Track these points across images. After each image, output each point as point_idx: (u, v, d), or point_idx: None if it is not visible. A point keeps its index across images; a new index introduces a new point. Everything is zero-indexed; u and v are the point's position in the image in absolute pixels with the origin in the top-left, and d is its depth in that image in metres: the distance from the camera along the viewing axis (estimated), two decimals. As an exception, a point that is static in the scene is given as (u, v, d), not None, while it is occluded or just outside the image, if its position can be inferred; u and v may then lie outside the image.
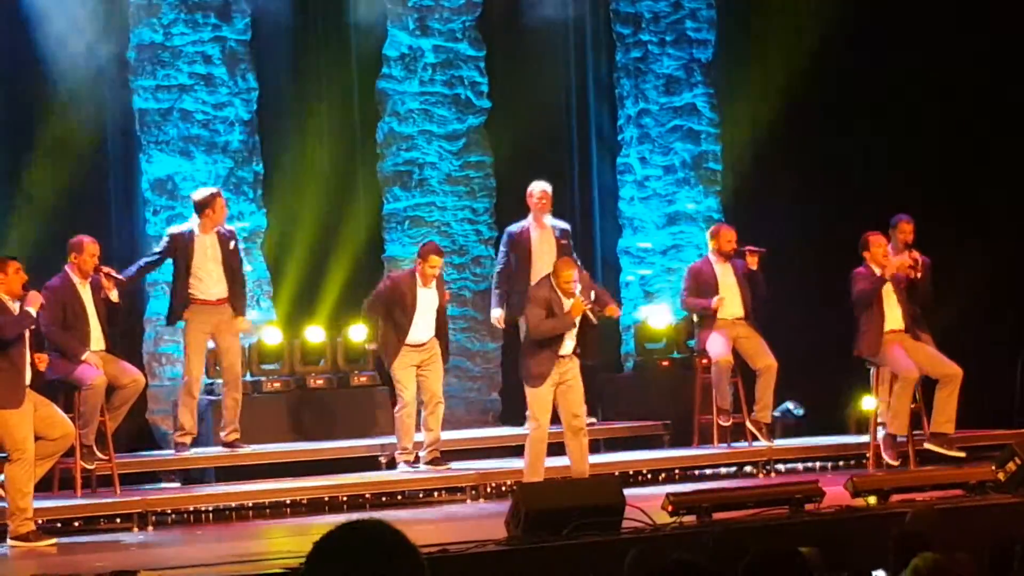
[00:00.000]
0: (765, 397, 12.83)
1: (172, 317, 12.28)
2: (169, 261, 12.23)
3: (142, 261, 12.29)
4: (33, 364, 10.19)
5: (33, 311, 10.05)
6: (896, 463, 12.16)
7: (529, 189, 13.12)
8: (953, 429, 12.28)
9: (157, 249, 12.31)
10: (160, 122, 13.50)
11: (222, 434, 12.13)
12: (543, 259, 12.65)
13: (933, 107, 14.63)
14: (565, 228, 13.17)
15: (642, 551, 5.73)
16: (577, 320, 10.88)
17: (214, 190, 12.40)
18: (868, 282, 12.33)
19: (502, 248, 13.16)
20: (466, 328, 14.65)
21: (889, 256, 12.44)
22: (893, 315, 12.42)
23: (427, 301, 12.04)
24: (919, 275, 12.47)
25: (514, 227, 13.09)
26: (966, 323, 13.83)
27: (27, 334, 10.10)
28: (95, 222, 12.49)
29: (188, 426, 12.05)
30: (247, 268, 13.59)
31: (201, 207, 12.11)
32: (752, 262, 12.94)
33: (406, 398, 11.95)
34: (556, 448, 11.75)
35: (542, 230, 12.98)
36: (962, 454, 12.13)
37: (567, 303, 10.86)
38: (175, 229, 12.25)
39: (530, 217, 13.06)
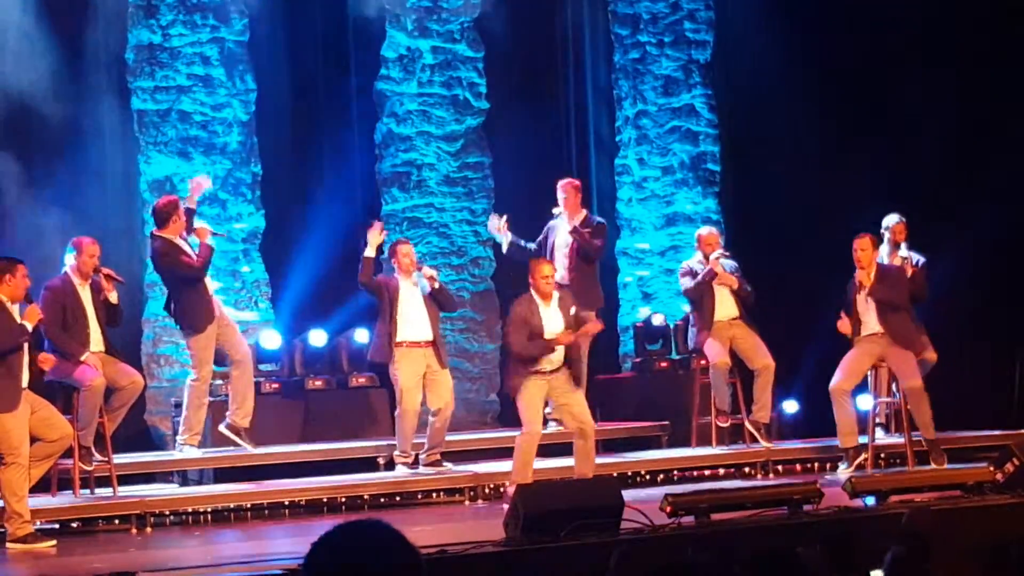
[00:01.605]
0: (763, 398, 12.83)
1: (200, 325, 11.95)
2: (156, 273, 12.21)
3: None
4: (32, 364, 10.18)
5: (29, 325, 10.03)
6: (848, 471, 12.16)
7: None
8: (932, 436, 12.24)
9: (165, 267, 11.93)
10: (158, 123, 13.51)
11: (235, 418, 11.97)
12: (559, 250, 12.64)
13: (932, 104, 14.64)
14: (594, 221, 13.01)
15: (624, 552, 5.72)
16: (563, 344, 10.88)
17: (174, 198, 12.08)
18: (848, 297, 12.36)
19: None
20: (465, 329, 14.66)
21: (873, 257, 12.40)
22: (870, 320, 12.36)
23: (410, 295, 11.95)
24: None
25: (551, 223, 13.02)
26: (963, 323, 13.84)
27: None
28: (94, 223, 12.49)
29: (199, 428, 12.02)
30: (244, 269, 13.62)
31: (165, 216, 11.75)
32: (715, 266, 12.86)
33: (406, 404, 11.89)
34: (557, 449, 11.74)
35: (569, 223, 12.91)
36: (943, 461, 12.13)
37: (546, 312, 10.84)
38: (159, 245, 11.77)
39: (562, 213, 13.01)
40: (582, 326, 11.09)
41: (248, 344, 12.35)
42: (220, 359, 12.14)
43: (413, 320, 11.92)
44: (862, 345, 12.32)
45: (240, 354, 12.04)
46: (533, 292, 10.94)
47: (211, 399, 12.23)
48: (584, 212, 12.92)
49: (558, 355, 10.95)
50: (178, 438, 12.08)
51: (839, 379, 12.25)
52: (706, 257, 12.95)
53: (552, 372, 10.93)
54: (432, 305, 12.01)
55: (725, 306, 12.91)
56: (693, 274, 12.98)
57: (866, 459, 12.30)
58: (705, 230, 13.37)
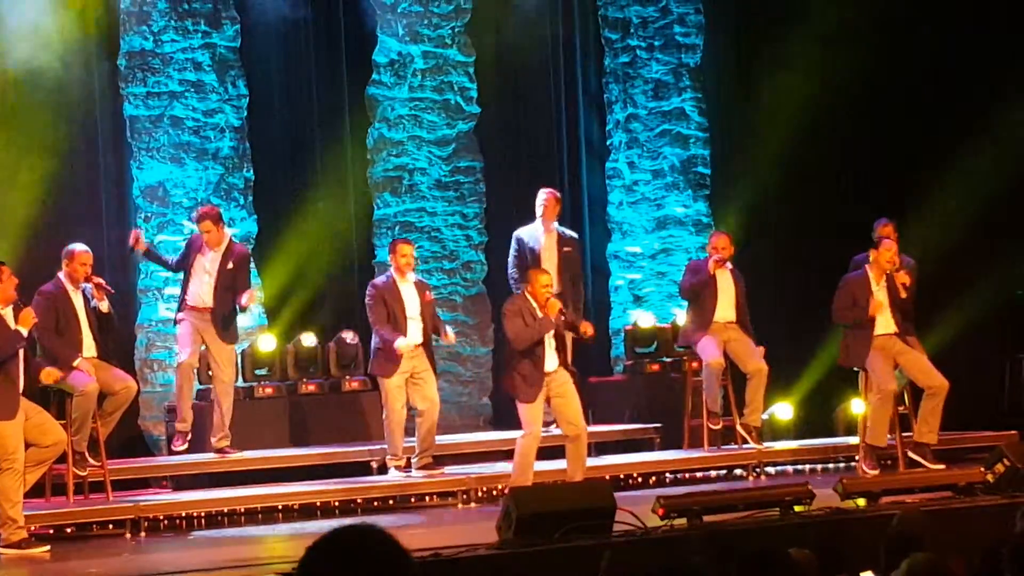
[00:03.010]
0: (755, 400, 12.85)
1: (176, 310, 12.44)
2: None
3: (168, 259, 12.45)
4: (27, 372, 10.18)
5: (24, 331, 10.05)
6: (875, 471, 12.11)
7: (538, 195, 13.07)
8: (936, 440, 12.24)
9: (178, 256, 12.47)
10: (151, 129, 13.53)
11: (213, 440, 12.16)
12: (548, 264, 12.69)
13: (929, 105, 14.65)
14: (571, 236, 13.14)
15: (614, 554, 5.76)
16: (554, 320, 10.99)
17: (201, 212, 12.31)
18: (852, 308, 12.24)
19: (512, 250, 13.06)
20: (457, 333, 14.65)
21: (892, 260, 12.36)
22: (883, 319, 12.36)
23: (412, 301, 12.00)
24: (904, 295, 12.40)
25: (523, 230, 13.03)
26: (956, 325, 13.87)
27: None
28: (87, 229, 12.50)
29: (186, 415, 12.12)
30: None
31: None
32: (712, 269, 12.95)
33: (395, 406, 11.92)
34: (548, 452, 11.77)
35: (547, 235, 12.94)
36: (941, 465, 12.08)
37: (541, 315, 11.00)
38: (194, 237, 12.37)
39: (538, 221, 13.01)
40: (572, 323, 11.36)
41: (231, 369, 12.37)
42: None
43: (410, 328, 11.95)
44: (880, 348, 12.22)
45: (217, 378, 12.13)
46: (529, 298, 11.04)
47: (196, 402, 12.33)
48: (557, 227, 12.94)
49: (551, 358, 11.05)
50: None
51: (885, 380, 12.06)
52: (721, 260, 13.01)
53: (550, 373, 11.04)
54: (427, 309, 12.08)
55: (724, 309, 12.96)
56: (695, 271, 13.05)
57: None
58: (713, 233, 13.44)
